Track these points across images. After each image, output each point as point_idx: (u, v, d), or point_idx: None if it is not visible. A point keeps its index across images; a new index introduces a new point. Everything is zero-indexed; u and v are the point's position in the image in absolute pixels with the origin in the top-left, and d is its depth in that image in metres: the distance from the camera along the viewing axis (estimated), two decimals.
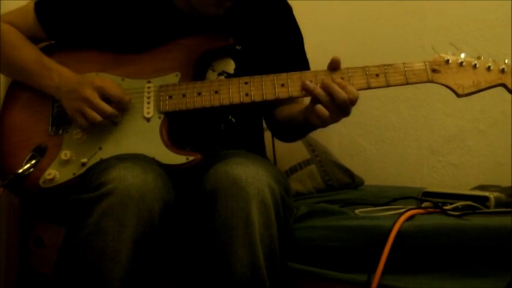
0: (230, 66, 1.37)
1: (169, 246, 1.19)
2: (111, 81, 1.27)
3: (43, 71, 1.32)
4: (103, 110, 1.23)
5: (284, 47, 1.43)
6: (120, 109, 1.26)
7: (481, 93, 1.23)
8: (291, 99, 1.35)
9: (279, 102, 1.43)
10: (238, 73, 1.34)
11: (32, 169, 1.26)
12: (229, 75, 1.36)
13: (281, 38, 1.42)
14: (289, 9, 1.46)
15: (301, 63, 1.44)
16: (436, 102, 2.03)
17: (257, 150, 1.42)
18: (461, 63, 1.22)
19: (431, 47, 1.24)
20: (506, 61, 1.21)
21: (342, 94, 1.17)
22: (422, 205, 1.31)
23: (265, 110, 1.46)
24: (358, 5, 2.18)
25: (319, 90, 1.19)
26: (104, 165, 1.14)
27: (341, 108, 1.18)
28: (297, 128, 1.35)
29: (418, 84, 1.25)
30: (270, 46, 1.41)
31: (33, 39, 1.38)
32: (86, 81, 1.26)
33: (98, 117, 1.23)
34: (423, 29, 2.05)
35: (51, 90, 1.31)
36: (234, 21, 1.38)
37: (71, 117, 1.29)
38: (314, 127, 1.26)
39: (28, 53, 1.35)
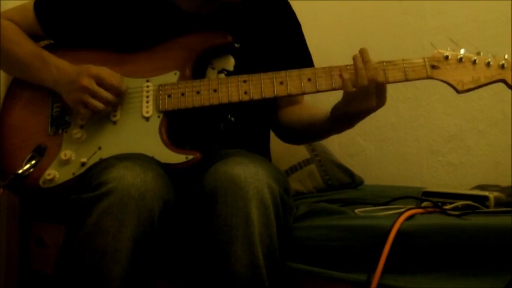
0: (230, 63, 1.37)
1: (169, 245, 1.19)
2: (108, 70, 1.27)
3: (41, 64, 1.32)
4: (104, 97, 1.24)
5: (285, 42, 1.43)
6: (118, 96, 1.27)
7: (480, 92, 1.23)
8: (290, 99, 1.35)
9: (280, 104, 1.44)
10: (238, 70, 1.34)
11: (31, 169, 1.26)
12: (229, 73, 1.36)
13: (281, 33, 1.43)
14: (287, 4, 1.46)
15: (303, 57, 1.44)
16: (435, 102, 2.02)
17: (258, 149, 1.42)
18: (460, 59, 1.21)
19: (430, 43, 1.23)
20: (506, 56, 1.21)
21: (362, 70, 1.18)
22: (422, 205, 1.31)
23: (267, 112, 1.46)
24: (358, 5, 2.18)
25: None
26: (104, 164, 1.14)
27: (366, 88, 1.18)
28: (320, 130, 1.35)
29: (417, 84, 1.25)
30: (270, 42, 1.41)
31: (33, 37, 1.39)
32: (83, 70, 1.26)
33: (101, 105, 1.24)
34: (423, 28, 2.05)
35: (50, 84, 1.31)
36: (233, 19, 1.39)
37: (72, 110, 1.29)
38: (356, 117, 1.25)
39: (26, 48, 1.35)
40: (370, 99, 1.20)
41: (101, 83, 1.25)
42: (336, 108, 1.26)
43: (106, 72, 1.26)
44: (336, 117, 1.27)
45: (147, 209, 1.07)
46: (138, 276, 1.07)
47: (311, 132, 1.41)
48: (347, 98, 1.21)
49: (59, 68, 1.30)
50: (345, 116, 1.25)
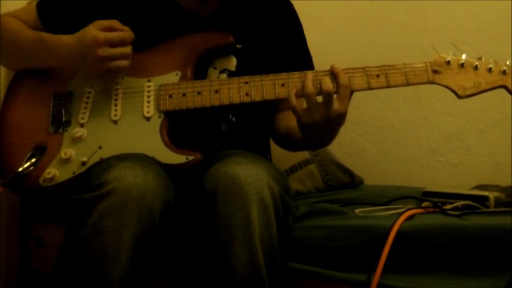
0: (232, 63, 1.37)
1: (169, 246, 1.19)
2: (109, 24, 1.25)
3: (43, 46, 1.30)
4: (124, 53, 1.24)
5: (287, 43, 1.43)
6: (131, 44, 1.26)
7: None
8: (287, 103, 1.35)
9: (279, 107, 1.43)
10: (240, 71, 1.35)
11: (31, 168, 1.26)
12: (231, 73, 1.36)
13: (283, 34, 1.43)
14: (290, 5, 1.46)
15: (304, 59, 1.44)
16: (436, 102, 2.03)
17: (259, 149, 1.42)
18: (462, 64, 1.21)
19: (431, 47, 1.23)
20: (507, 62, 1.21)
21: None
22: (422, 205, 1.31)
23: (267, 113, 1.45)
24: (358, 5, 2.18)
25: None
26: (104, 164, 1.14)
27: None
28: (298, 142, 1.33)
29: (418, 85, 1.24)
30: (272, 43, 1.41)
31: None
32: (91, 43, 1.23)
33: (124, 62, 1.25)
34: (423, 29, 2.05)
35: (55, 63, 1.31)
36: (235, 19, 1.39)
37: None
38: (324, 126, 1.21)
39: (29, 35, 1.34)
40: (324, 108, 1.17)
41: (113, 43, 1.23)
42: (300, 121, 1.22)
43: (107, 32, 1.23)
44: (303, 128, 1.23)
45: (147, 209, 1.07)
46: (139, 277, 1.07)
47: (288, 141, 1.40)
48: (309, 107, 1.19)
49: (61, 44, 1.28)
50: (312, 128, 1.21)
